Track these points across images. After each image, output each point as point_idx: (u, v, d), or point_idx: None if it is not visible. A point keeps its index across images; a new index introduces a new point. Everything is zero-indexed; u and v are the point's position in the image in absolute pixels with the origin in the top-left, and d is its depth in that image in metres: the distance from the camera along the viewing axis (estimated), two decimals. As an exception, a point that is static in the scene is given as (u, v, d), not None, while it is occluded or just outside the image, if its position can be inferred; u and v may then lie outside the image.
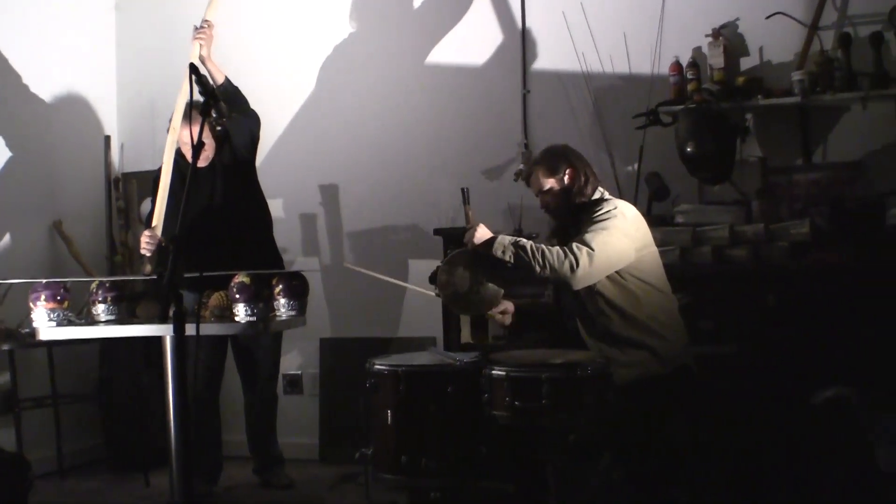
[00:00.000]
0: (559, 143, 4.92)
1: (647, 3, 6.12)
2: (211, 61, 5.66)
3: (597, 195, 4.71)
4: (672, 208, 5.75)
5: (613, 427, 4.34)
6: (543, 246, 4.43)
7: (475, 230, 4.60)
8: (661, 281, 4.64)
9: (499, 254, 4.49)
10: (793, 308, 5.24)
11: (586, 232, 4.46)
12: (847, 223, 5.24)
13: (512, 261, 4.48)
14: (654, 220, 5.52)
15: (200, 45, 5.63)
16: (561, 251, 4.38)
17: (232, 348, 5.86)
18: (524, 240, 4.51)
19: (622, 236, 4.47)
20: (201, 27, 5.67)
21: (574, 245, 4.40)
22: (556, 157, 4.73)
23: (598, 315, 4.56)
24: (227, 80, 5.67)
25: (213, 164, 5.52)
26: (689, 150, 5.59)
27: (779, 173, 5.76)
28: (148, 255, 5.30)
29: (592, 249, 4.37)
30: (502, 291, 4.80)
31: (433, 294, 4.84)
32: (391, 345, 6.48)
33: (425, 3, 6.70)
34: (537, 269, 4.40)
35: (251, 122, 5.70)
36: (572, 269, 4.36)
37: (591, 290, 4.51)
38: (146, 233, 5.30)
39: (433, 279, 4.79)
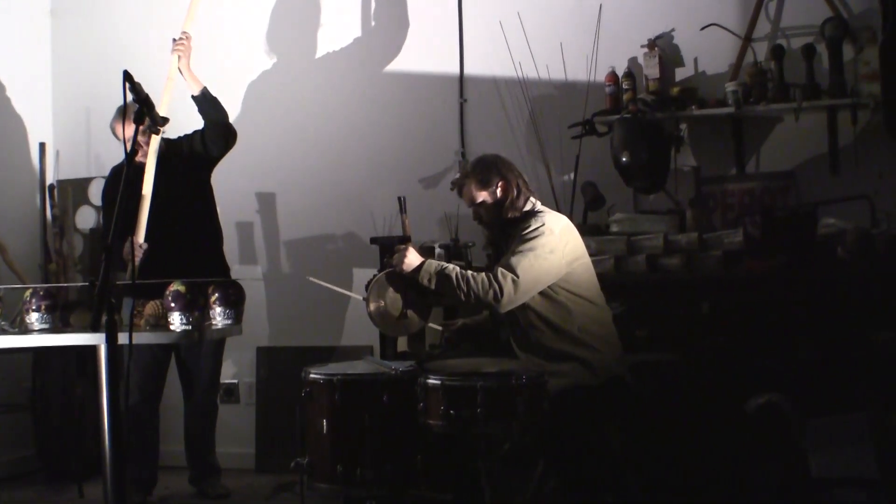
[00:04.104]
0: (493, 152, 4.91)
1: (583, 14, 6.14)
2: (189, 72, 5.64)
3: (528, 206, 4.69)
4: (607, 217, 5.77)
5: (548, 435, 4.35)
6: (469, 273, 4.43)
7: (404, 255, 4.57)
8: (593, 292, 4.65)
9: (425, 282, 4.51)
10: (726, 316, 5.31)
11: (512, 254, 4.45)
12: (779, 232, 5.27)
13: (437, 289, 4.49)
14: (589, 230, 5.57)
15: (179, 56, 5.60)
16: (486, 279, 4.38)
17: (175, 358, 5.83)
18: (450, 267, 4.50)
19: (549, 254, 4.45)
20: (179, 39, 5.64)
21: (499, 271, 4.39)
22: (487, 169, 4.69)
23: (529, 328, 4.56)
24: (206, 90, 5.64)
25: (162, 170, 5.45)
26: (624, 159, 5.63)
27: (712, 183, 5.82)
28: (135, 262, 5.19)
29: (517, 276, 4.36)
30: (430, 314, 4.85)
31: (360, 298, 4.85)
32: (328, 354, 6.44)
33: (361, 12, 6.68)
34: (462, 297, 4.41)
35: (212, 133, 5.65)
36: (496, 298, 4.36)
37: (522, 305, 4.51)
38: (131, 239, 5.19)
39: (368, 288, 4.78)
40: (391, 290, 4.70)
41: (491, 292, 4.35)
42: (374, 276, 4.76)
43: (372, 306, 4.72)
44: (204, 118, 5.67)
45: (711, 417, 4.90)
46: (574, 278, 4.55)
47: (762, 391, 4.82)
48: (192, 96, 5.63)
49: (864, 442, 4.63)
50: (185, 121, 5.78)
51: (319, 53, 6.77)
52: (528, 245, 4.45)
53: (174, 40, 5.65)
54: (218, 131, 5.66)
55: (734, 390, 4.91)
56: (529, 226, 4.53)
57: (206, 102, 5.63)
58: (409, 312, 4.74)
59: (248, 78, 6.88)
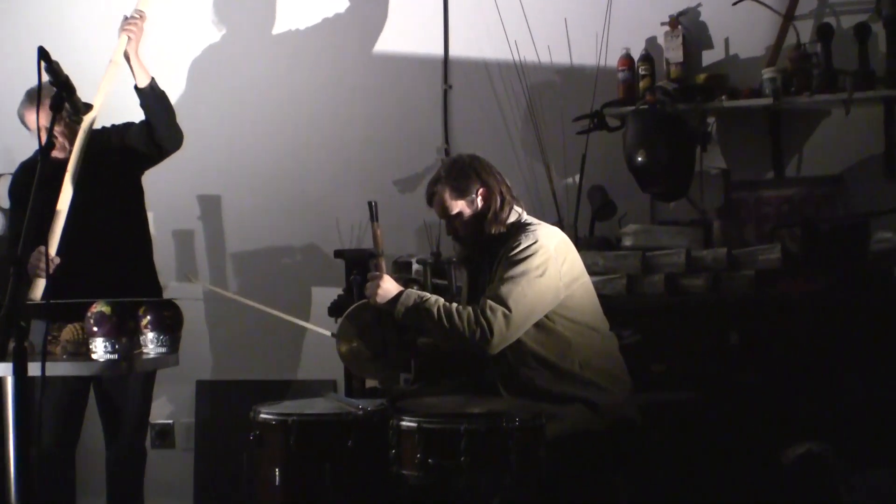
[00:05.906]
0: (476, 151, 4.91)
1: (592, -15, 6.18)
2: (138, 58, 5.51)
3: (513, 217, 4.67)
4: (618, 228, 5.80)
5: (545, 488, 4.35)
6: (454, 308, 4.43)
7: (378, 284, 4.58)
8: (595, 317, 4.65)
9: (400, 316, 4.53)
10: (759, 348, 5.30)
11: (501, 282, 4.44)
12: (824, 248, 5.31)
13: (415, 325, 4.53)
14: (597, 243, 5.60)
15: (129, 38, 5.50)
16: (472, 315, 4.38)
17: (94, 392, 5.78)
18: (432, 299, 4.50)
19: (541, 278, 4.44)
20: (132, 17, 5.54)
21: (488, 305, 4.38)
22: (464, 174, 4.65)
23: (519, 367, 4.55)
24: (154, 82, 5.56)
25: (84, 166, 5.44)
26: (639, 159, 5.64)
27: (745, 189, 5.86)
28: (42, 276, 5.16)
29: (509, 310, 4.36)
30: (412, 352, 4.89)
31: (327, 334, 4.86)
32: (285, 389, 6.46)
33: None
34: (444, 336, 4.45)
35: (158, 134, 5.60)
36: (485, 338, 4.35)
37: None
38: (41, 249, 5.17)
39: (332, 311, 4.79)
40: (364, 324, 4.72)
41: (478, 331, 4.34)
42: (337, 297, 4.78)
43: (343, 345, 4.74)
44: (148, 115, 5.54)
45: (740, 469, 4.91)
46: (573, 302, 4.55)
47: (801, 439, 4.83)
48: (136, 88, 5.54)
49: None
50: (121, 112, 5.69)
51: (277, 29, 6.78)
52: (518, 269, 4.43)
53: (125, 17, 5.58)
54: (162, 133, 5.59)
55: (768, 438, 4.93)
56: (519, 244, 4.51)
57: (154, 98, 5.49)
58: (387, 351, 4.76)
59: (191, 53, 6.88)
